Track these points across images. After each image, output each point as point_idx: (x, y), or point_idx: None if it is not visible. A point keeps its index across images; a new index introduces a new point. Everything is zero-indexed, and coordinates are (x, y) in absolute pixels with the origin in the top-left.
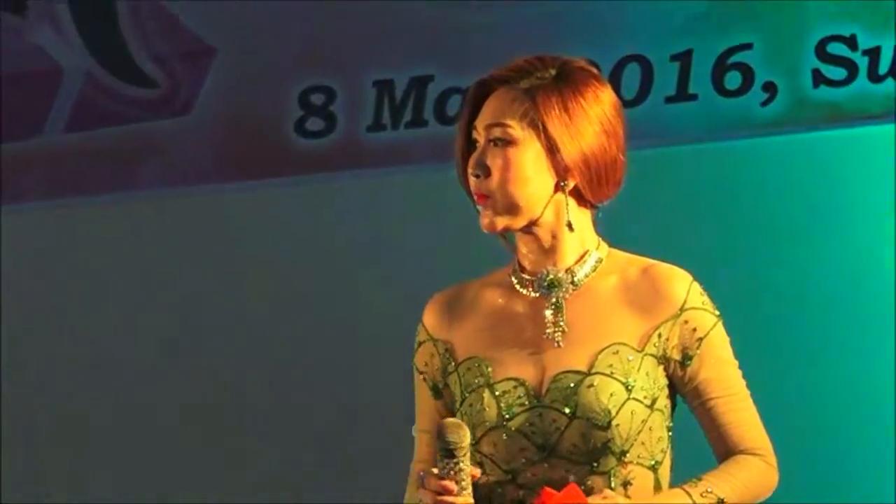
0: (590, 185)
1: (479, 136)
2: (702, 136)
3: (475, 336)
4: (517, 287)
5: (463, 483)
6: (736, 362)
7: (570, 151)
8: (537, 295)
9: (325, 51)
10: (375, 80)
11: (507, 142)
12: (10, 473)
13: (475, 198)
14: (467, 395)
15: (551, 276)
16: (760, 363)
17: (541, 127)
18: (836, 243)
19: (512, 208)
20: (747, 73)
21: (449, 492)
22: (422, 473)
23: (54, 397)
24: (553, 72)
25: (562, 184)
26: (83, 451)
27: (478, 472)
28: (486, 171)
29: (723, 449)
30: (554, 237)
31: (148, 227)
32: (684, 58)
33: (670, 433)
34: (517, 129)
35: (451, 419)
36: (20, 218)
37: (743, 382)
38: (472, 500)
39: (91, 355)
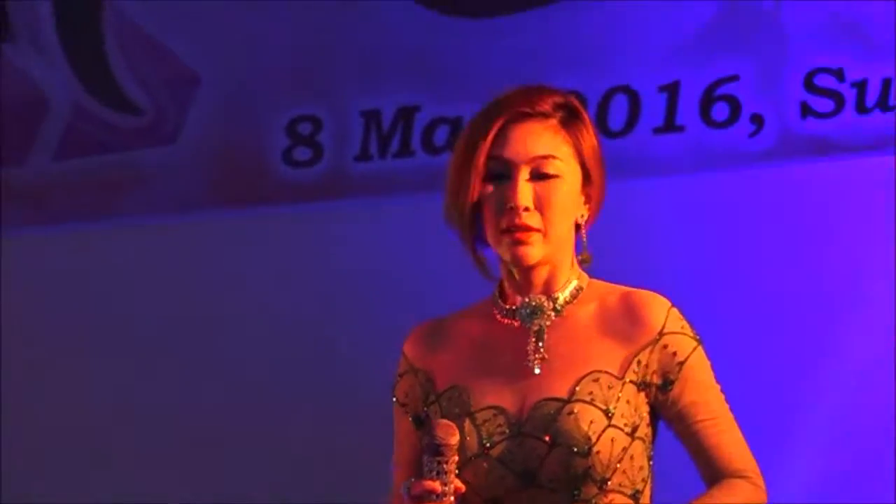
0: (593, 216)
1: (515, 167)
2: (689, 168)
3: (456, 365)
4: (498, 316)
5: (446, 489)
6: (718, 385)
7: (597, 183)
8: (518, 323)
9: (312, 80)
10: (362, 109)
11: (554, 175)
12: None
13: (514, 230)
14: None
15: (534, 304)
16: (752, 378)
17: (580, 159)
18: (824, 274)
19: (556, 241)
20: (735, 105)
21: (433, 491)
22: (406, 482)
23: (48, 424)
24: (569, 103)
25: (582, 215)
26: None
27: (463, 486)
28: (535, 205)
29: (710, 473)
30: (556, 268)
31: (134, 255)
32: (672, 89)
33: (651, 462)
34: (564, 163)
35: (442, 419)
36: (7, 245)
37: (726, 405)
38: None
39: (76, 382)
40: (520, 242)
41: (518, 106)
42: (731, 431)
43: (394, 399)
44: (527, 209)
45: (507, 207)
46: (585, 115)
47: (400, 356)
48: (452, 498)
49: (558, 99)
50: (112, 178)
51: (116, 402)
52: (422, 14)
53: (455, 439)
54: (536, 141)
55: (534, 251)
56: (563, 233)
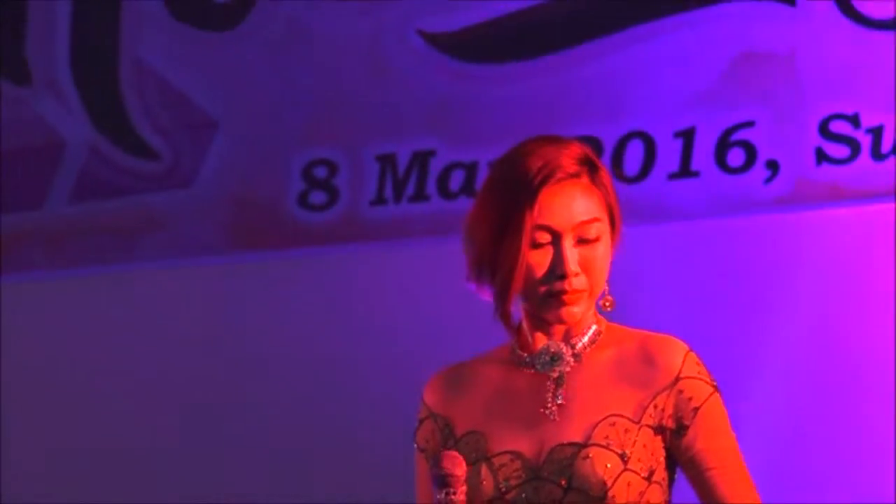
0: (614, 255)
1: (561, 234)
2: (704, 213)
3: (474, 411)
4: (516, 363)
5: None
6: (733, 433)
7: (619, 227)
8: (536, 370)
9: (327, 124)
10: (378, 154)
11: (596, 238)
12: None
13: (563, 294)
14: (467, 468)
15: (553, 351)
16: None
17: (608, 210)
18: (838, 322)
19: (595, 299)
20: (750, 151)
21: None
22: None
23: (52, 477)
24: (587, 154)
25: None
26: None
27: None
28: (581, 267)
29: None
30: (583, 317)
31: (149, 300)
32: (687, 135)
33: None
34: (602, 223)
35: (449, 451)
36: (21, 290)
37: (739, 455)
38: None
39: (91, 427)
40: (566, 304)
41: (554, 170)
42: (742, 481)
43: (414, 445)
44: (576, 274)
45: (556, 274)
46: (601, 164)
47: (420, 402)
48: None
49: (580, 152)
50: (128, 223)
51: (126, 451)
52: (438, 59)
53: (461, 470)
54: (577, 206)
55: (580, 311)
56: (602, 288)
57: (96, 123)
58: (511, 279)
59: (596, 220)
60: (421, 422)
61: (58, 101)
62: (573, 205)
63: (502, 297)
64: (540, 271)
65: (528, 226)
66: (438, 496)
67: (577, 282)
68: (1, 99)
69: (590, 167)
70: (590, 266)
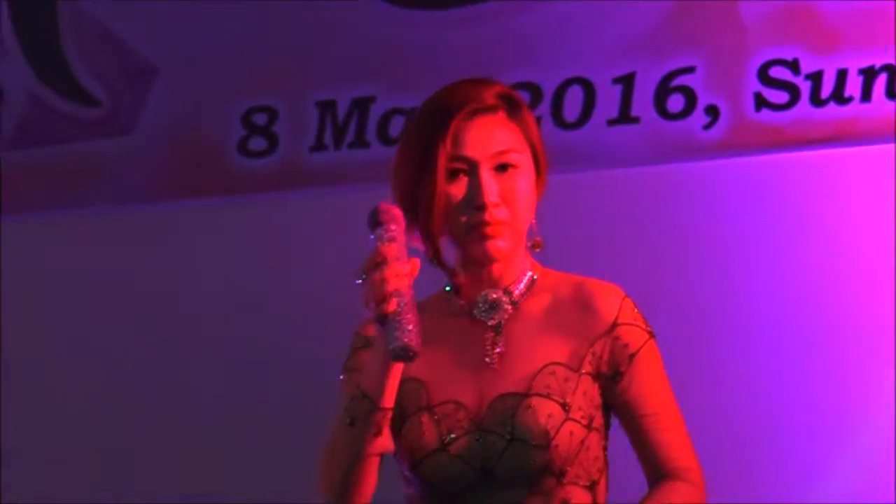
0: (539, 202)
1: (478, 163)
2: (644, 159)
3: None
4: (453, 311)
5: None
6: (667, 380)
7: (545, 170)
8: (474, 318)
9: (267, 71)
10: (318, 100)
11: (514, 166)
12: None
13: (484, 226)
14: (406, 418)
15: (491, 299)
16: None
17: (530, 147)
18: (778, 265)
19: (520, 234)
20: (690, 96)
21: (385, 255)
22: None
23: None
24: (507, 93)
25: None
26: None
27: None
28: (501, 198)
29: (651, 469)
30: (513, 258)
31: (90, 247)
32: (627, 80)
33: (606, 452)
34: (520, 153)
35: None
36: None
37: (674, 402)
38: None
39: (36, 372)
40: (489, 237)
41: (468, 102)
42: (676, 429)
43: (348, 369)
44: (496, 204)
45: (474, 205)
46: (523, 102)
47: (353, 336)
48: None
49: (499, 90)
50: (69, 169)
51: (82, 393)
52: (377, 6)
53: (396, 210)
54: (493, 136)
55: (503, 245)
56: (526, 223)
57: (35, 69)
58: (431, 213)
59: (513, 150)
60: (356, 350)
61: None
62: (488, 135)
63: (427, 235)
64: (458, 202)
65: (442, 157)
66: (372, 236)
67: (496, 212)
68: None
69: (509, 103)
70: (510, 196)
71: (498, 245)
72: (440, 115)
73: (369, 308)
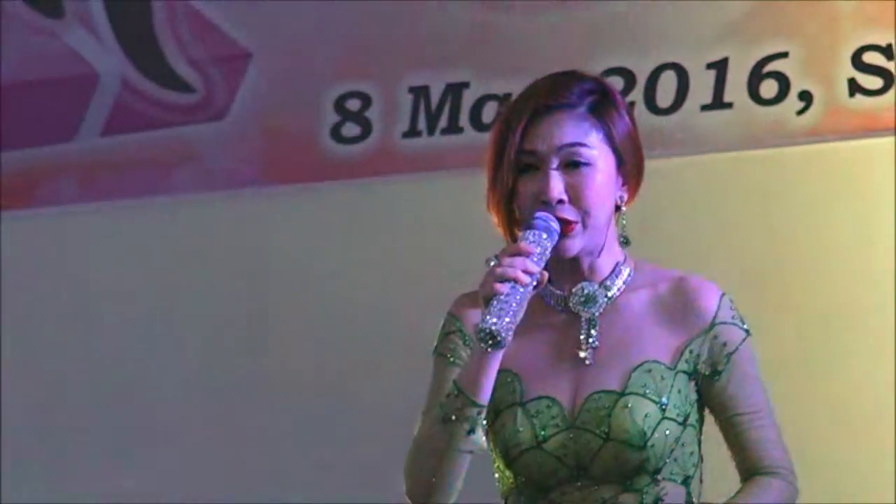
0: (632, 196)
1: (545, 159)
2: (737, 145)
3: (505, 349)
4: (547, 302)
5: (535, 257)
6: (761, 379)
7: (631, 163)
8: (568, 311)
9: (361, 56)
10: (411, 86)
11: (586, 164)
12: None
13: (558, 222)
14: (500, 412)
15: (587, 292)
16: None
17: (611, 143)
18: (874, 253)
19: (596, 229)
20: (783, 82)
21: (528, 252)
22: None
23: (76, 397)
24: (599, 89)
25: (621, 197)
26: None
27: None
28: (569, 196)
29: (745, 466)
30: (599, 254)
31: (183, 232)
32: (720, 66)
33: (700, 446)
34: (594, 149)
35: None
36: (54, 221)
37: (769, 400)
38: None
39: (121, 357)
40: (563, 234)
41: (544, 99)
42: (770, 428)
43: (438, 354)
44: (560, 202)
45: (539, 201)
46: (618, 98)
47: (447, 316)
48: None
49: (587, 86)
50: (162, 155)
51: (167, 373)
52: None
53: (556, 224)
54: (564, 131)
55: (573, 243)
56: (603, 220)
57: (130, 55)
58: (501, 206)
59: (581, 144)
60: (448, 334)
61: (90, 34)
62: (559, 130)
63: (502, 227)
64: (528, 198)
65: (511, 149)
66: (526, 237)
67: (562, 210)
68: (31, 31)
69: (597, 100)
70: (578, 193)
71: (567, 244)
72: (516, 109)
73: (483, 287)
